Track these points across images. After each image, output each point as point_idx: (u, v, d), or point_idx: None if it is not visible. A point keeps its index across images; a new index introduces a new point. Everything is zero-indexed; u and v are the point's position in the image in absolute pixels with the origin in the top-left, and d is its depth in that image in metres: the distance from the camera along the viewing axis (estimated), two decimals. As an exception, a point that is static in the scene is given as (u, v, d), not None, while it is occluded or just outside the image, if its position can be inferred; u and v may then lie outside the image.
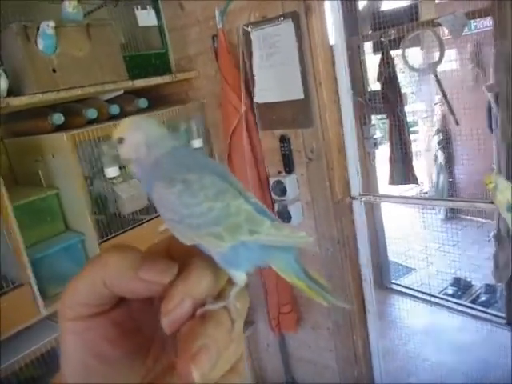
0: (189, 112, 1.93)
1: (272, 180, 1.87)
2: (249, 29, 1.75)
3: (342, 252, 1.85)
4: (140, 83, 1.78)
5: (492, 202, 1.52)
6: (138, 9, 1.83)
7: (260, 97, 1.81)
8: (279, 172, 1.88)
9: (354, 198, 1.82)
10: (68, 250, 1.66)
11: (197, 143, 1.95)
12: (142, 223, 1.80)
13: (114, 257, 0.30)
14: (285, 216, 1.85)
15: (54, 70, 1.52)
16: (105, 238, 1.69)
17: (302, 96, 1.71)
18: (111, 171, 1.69)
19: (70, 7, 1.53)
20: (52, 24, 1.44)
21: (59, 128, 1.65)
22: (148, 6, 1.87)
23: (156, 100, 1.96)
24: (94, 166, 1.71)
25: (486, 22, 2.76)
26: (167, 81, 1.89)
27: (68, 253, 1.66)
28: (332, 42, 1.69)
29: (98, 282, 0.29)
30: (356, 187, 1.81)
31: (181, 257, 0.32)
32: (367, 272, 1.92)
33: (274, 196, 1.89)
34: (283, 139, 1.82)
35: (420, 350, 2.38)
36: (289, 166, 1.83)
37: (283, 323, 2.09)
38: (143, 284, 0.29)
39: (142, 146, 0.36)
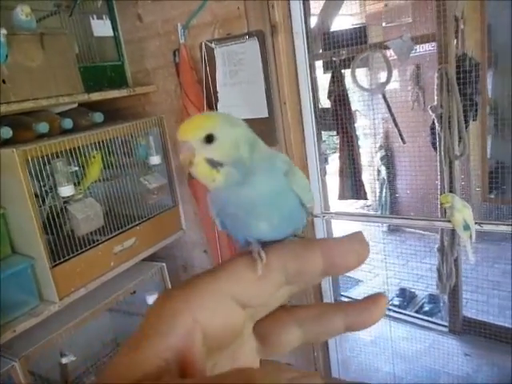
0: (147, 127, 1.86)
1: (234, 198, 1.84)
2: (212, 45, 1.72)
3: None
4: (96, 96, 1.69)
5: (449, 221, 1.61)
6: (93, 18, 1.74)
7: (223, 114, 1.78)
8: (241, 190, 1.85)
9: (315, 216, 1.84)
10: (15, 275, 1.52)
11: (155, 160, 1.88)
12: (97, 244, 1.69)
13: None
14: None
15: (3, 81, 1.40)
16: (57, 262, 1.57)
17: (266, 114, 1.71)
18: (65, 190, 1.58)
19: (23, 14, 1.41)
20: (4, 31, 1.32)
21: (6, 142, 1.52)
22: (104, 16, 1.78)
23: (111, 114, 1.87)
24: (46, 184, 1.59)
25: (426, 46, 2.95)
26: (124, 94, 1.81)
27: (15, 279, 1.52)
28: (297, 61, 1.71)
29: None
30: (318, 205, 1.83)
31: None
32: (327, 287, 1.94)
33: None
34: (246, 157, 1.80)
35: (371, 361, 2.45)
36: (251, 184, 1.82)
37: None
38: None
39: (244, 145, 0.32)
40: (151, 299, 1.93)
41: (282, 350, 0.30)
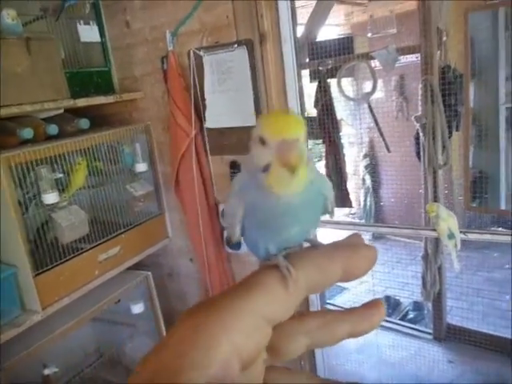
0: (133, 134, 1.84)
1: (221, 206, 1.83)
2: (201, 53, 1.72)
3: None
4: (83, 102, 1.67)
5: (434, 229, 1.63)
6: (80, 23, 1.72)
7: (211, 121, 1.78)
8: (229, 198, 1.85)
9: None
10: (-3, 284, 1.48)
11: (142, 167, 1.86)
12: (81, 253, 1.66)
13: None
14: (234, 243, 1.82)
15: (-12, 86, 1.37)
16: (40, 271, 1.53)
17: (254, 123, 1.70)
18: (49, 197, 1.55)
19: (9, 18, 1.39)
20: (-11, 35, 1.30)
21: (-11, 148, 1.49)
22: (91, 22, 1.77)
23: (97, 120, 1.85)
24: (30, 191, 1.56)
25: (410, 57, 3.00)
26: (111, 101, 1.79)
27: (-3, 288, 1.48)
28: (285, 70, 1.72)
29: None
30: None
31: None
32: (314, 296, 1.94)
33: (222, 222, 1.86)
34: (233, 165, 1.80)
35: (357, 369, 2.45)
36: (239, 192, 1.81)
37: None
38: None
39: (306, 146, 0.32)
40: (136, 308, 1.91)
41: (287, 358, 0.31)
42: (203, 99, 1.77)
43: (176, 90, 1.74)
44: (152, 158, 1.92)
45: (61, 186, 1.63)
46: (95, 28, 1.79)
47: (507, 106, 2.40)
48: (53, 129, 1.63)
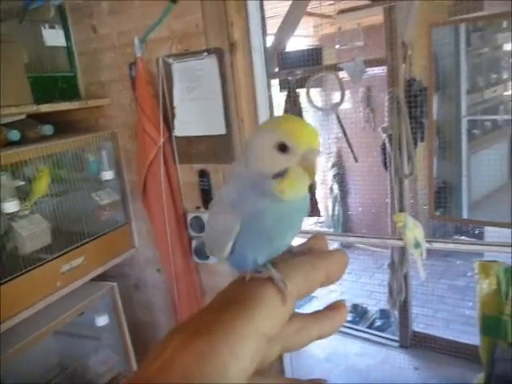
0: (99, 141, 1.80)
1: (190, 215, 1.81)
2: (170, 60, 1.70)
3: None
4: (46, 108, 1.61)
5: (400, 239, 1.65)
6: (45, 27, 1.67)
7: (180, 130, 1.76)
8: (197, 207, 1.83)
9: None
10: (-49, 298, 1.40)
11: (108, 175, 1.82)
12: (43, 263, 1.60)
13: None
14: (203, 252, 1.80)
15: None
16: (-1, 282, 1.46)
17: (223, 131, 1.70)
18: (9, 205, 1.49)
19: (-31, 19, 1.34)
20: None
21: None
22: (56, 25, 1.72)
23: (62, 126, 1.79)
24: (-12, 200, 1.49)
25: (376, 69, 3.07)
26: (76, 107, 1.74)
27: (-49, 302, 1.40)
28: (255, 79, 1.72)
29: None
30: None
31: None
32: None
33: (191, 232, 1.83)
34: (203, 174, 1.78)
35: (325, 378, 2.45)
36: (208, 202, 1.79)
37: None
38: None
39: None
40: (101, 320, 1.85)
41: (264, 365, 0.30)
42: (172, 107, 1.74)
43: (144, 98, 1.71)
44: (119, 166, 1.88)
45: (22, 195, 1.57)
46: (60, 32, 1.74)
47: (469, 118, 2.48)
48: (14, 135, 1.57)
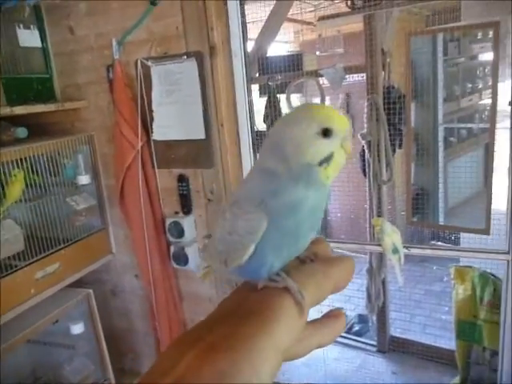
0: (76, 144, 1.76)
1: (168, 221, 1.78)
2: (149, 63, 1.68)
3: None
4: (21, 110, 1.57)
5: (379, 245, 1.66)
6: (19, 27, 1.63)
7: (158, 134, 1.74)
8: (176, 212, 1.80)
9: (251, 239, 1.83)
10: None
11: (84, 179, 1.78)
12: (16, 270, 1.55)
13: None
14: (181, 258, 1.78)
15: None
16: (-32, 290, 1.41)
17: (203, 136, 1.68)
18: (-19, 210, 1.44)
19: None
20: None
21: None
22: (32, 26, 1.68)
23: (37, 129, 1.75)
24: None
25: (356, 76, 3.10)
26: (52, 109, 1.70)
27: None
28: (235, 83, 1.71)
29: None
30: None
31: None
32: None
33: (169, 237, 1.80)
34: (182, 179, 1.76)
35: (306, 383, 2.45)
36: (187, 207, 1.77)
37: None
38: None
39: None
40: (76, 328, 1.80)
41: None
42: (150, 110, 1.72)
43: (122, 100, 1.69)
44: (95, 170, 1.84)
45: (-6, 199, 1.52)
46: (36, 32, 1.70)
47: (445, 126, 2.53)
48: (-14, 137, 1.52)
